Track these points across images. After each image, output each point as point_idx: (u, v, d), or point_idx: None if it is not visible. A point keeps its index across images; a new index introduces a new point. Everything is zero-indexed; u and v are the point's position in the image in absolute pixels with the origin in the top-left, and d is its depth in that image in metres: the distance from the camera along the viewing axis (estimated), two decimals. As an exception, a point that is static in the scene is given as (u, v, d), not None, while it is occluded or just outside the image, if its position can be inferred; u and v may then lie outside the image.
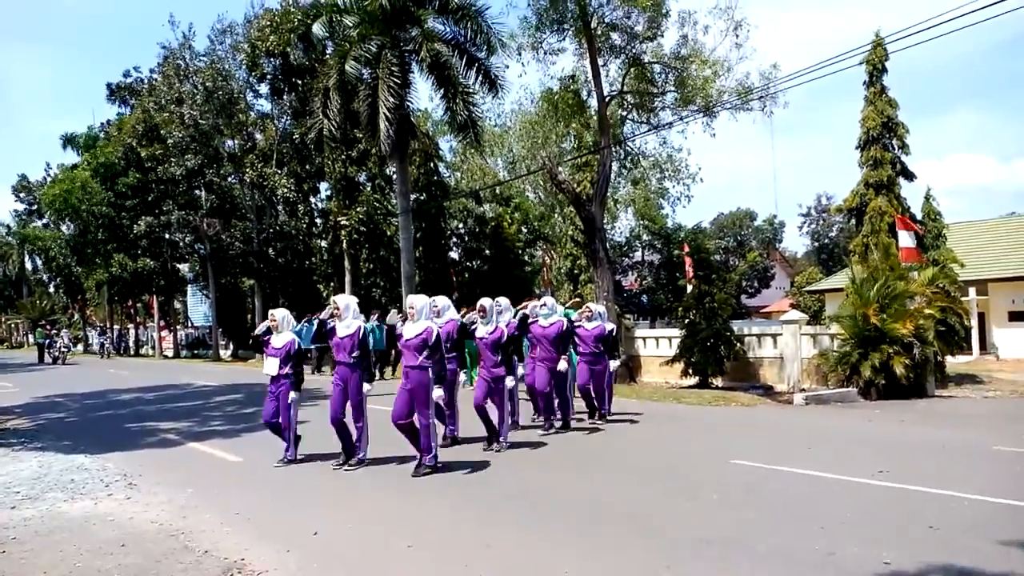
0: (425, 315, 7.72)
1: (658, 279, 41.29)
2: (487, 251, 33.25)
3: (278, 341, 8.28)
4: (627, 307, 36.46)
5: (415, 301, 7.79)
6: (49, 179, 48.87)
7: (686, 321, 17.54)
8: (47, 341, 35.24)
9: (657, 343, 19.47)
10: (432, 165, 31.47)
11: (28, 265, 68.49)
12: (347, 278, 28.61)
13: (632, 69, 21.66)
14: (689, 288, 19.41)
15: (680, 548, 5.27)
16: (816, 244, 71.09)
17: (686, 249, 20.62)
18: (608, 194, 25.03)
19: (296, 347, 8.22)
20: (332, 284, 32.02)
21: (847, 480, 7.09)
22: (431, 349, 7.48)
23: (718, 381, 17.07)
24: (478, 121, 22.18)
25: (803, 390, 14.79)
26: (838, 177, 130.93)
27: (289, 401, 8.23)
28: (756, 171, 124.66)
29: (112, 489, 7.51)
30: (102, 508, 6.87)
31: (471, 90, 21.40)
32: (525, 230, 36.99)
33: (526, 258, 37.57)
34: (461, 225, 34.03)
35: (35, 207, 53.74)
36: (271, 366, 8.25)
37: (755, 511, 6.19)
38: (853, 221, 20.54)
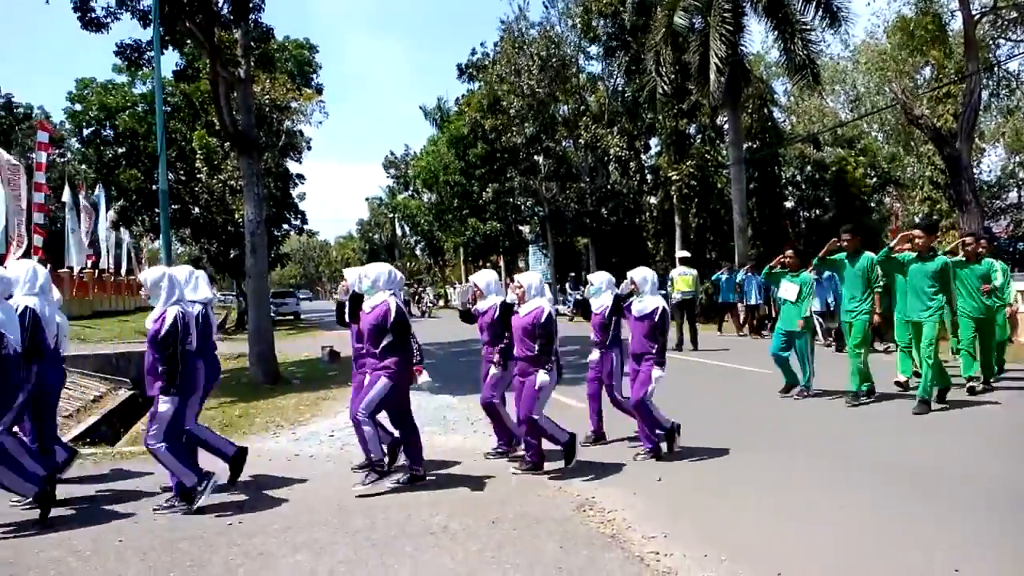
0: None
1: (1039, 223, 35.13)
2: (827, 199, 30.91)
3: None
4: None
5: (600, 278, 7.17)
6: (410, 155, 55.76)
7: (1082, 271, 14.77)
8: (415, 297, 40.36)
9: (1040, 297, 16.64)
10: (766, 111, 29.93)
11: (398, 231, 79.28)
12: (677, 234, 28.56)
13: (1009, -23, 18.62)
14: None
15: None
16: None
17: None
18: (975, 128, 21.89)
19: None
20: (662, 241, 32.14)
21: None
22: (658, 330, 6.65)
23: None
24: (817, 59, 20.59)
25: None
26: None
27: None
28: None
29: (477, 427, 8.46)
30: (469, 443, 7.79)
31: (809, 27, 19.91)
32: (872, 174, 33.68)
33: (873, 204, 34.23)
34: (798, 173, 32.04)
35: (401, 179, 61.41)
36: None
37: None
38: None
